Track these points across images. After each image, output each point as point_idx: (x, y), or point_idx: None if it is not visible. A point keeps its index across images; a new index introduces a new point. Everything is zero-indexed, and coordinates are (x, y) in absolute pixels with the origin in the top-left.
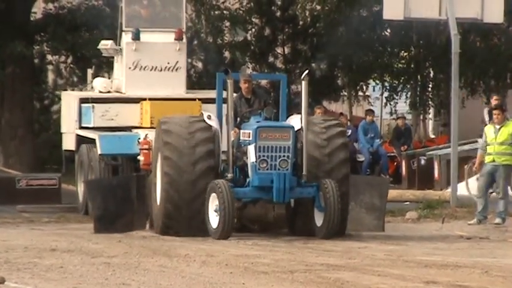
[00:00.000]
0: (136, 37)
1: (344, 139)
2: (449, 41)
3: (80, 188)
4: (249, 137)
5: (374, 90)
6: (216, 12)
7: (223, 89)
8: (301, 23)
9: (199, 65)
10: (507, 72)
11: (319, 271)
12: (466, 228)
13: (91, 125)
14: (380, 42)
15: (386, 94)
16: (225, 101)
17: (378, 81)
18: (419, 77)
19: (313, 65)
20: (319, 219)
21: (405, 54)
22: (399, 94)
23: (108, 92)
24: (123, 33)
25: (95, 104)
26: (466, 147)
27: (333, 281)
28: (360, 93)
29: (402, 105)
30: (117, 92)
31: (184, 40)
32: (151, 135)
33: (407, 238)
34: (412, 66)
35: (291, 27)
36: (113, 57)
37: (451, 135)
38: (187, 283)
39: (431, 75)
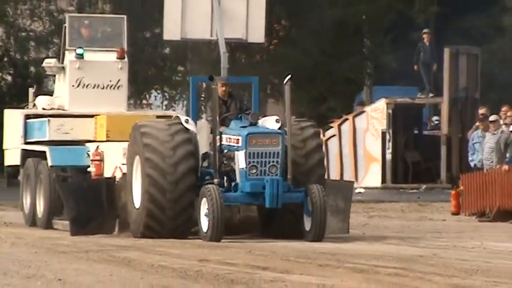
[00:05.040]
0: (80, 56)
1: (318, 140)
2: (219, 58)
3: (26, 200)
4: (238, 142)
5: (156, 99)
6: (23, 34)
7: (196, 94)
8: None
9: (9, 78)
10: (267, 84)
11: (110, 251)
12: None
13: (46, 139)
14: (161, 58)
15: (166, 102)
16: None
17: (159, 91)
18: None
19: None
20: (307, 224)
21: (182, 68)
22: (177, 102)
23: (52, 109)
24: (67, 52)
25: (50, 118)
26: None
27: (121, 259)
28: (144, 101)
29: (180, 111)
30: (60, 109)
31: (126, 59)
32: (103, 147)
33: None
34: (188, 78)
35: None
36: (54, 76)
37: None
38: None
39: (204, 86)
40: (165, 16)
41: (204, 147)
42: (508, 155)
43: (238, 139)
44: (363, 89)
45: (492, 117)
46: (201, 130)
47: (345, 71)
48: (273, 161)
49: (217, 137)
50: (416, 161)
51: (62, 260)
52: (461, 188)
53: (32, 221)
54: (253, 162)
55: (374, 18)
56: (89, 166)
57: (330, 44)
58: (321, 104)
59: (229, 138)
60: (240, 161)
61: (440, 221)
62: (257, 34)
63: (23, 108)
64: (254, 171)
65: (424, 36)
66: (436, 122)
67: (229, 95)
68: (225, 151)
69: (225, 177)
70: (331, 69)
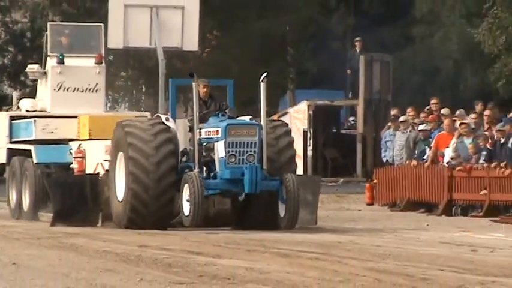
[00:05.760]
0: (60, 61)
1: (287, 128)
2: (158, 64)
3: (12, 196)
4: (217, 134)
5: None
6: None
7: (175, 95)
8: (45, 51)
9: None
10: None
11: (59, 237)
12: None
13: (32, 138)
14: (106, 65)
15: (109, 104)
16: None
17: None
18: (134, 91)
19: None
20: (282, 210)
21: (124, 74)
22: (119, 104)
23: (35, 111)
24: (48, 58)
25: (36, 119)
26: None
27: (69, 245)
28: None
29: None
30: (42, 111)
31: (103, 64)
32: (84, 145)
33: None
34: (129, 83)
35: (38, 54)
36: (36, 80)
37: None
38: None
39: (144, 90)
40: (109, 27)
41: (182, 144)
42: (416, 151)
43: (218, 130)
44: (286, 92)
45: (402, 118)
46: (179, 128)
47: (270, 76)
48: (250, 151)
49: (197, 130)
50: (335, 157)
51: (15, 246)
52: (375, 181)
53: (18, 214)
54: (232, 151)
55: (297, 29)
56: (71, 163)
57: (257, 52)
58: (249, 106)
59: (209, 131)
60: (220, 150)
61: (356, 211)
62: (191, 43)
63: (7, 110)
64: (233, 159)
65: (356, 43)
66: (352, 122)
67: (209, 96)
68: (204, 144)
69: (204, 168)
70: (257, 74)
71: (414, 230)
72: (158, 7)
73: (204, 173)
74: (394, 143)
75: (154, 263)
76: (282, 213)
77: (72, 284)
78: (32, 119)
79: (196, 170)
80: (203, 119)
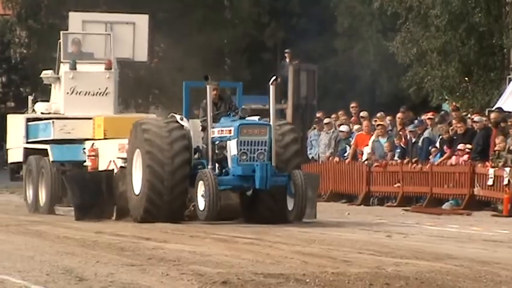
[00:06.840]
0: (73, 67)
1: (295, 134)
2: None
3: (29, 192)
4: (230, 133)
5: None
6: None
7: (188, 96)
8: (13, 61)
9: None
10: (150, 94)
11: (25, 225)
12: None
13: (51, 138)
14: None
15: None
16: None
17: None
18: None
19: (26, 90)
20: (290, 204)
21: None
22: None
23: (49, 113)
24: (62, 64)
25: (54, 120)
26: None
27: (34, 232)
28: None
29: None
30: (56, 113)
31: (113, 70)
32: (98, 144)
33: None
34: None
35: (7, 63)
36: (50, 85)
37: None
38: None
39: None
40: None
41: (195, 142)
42: (338, 149)
43: (230, 130)
44: None
45: (326, 120)
46: (192, 127)
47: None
48: (261, 149)
49: (211, 130)
50: None
51: None
52: None
53: (35, 209)
54: (244, 149)
55: (233, 42)
56: (84, 161)
57: (198, 62)
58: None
59: (221, 130)
60: (232, 148)
61: None
62: (141, 54)
63: (23, 113)
64: (244, 157)
65: (286, 55)
66: None
67: (219, 98)
68: (217, 142)
69: (217, 165)
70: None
71: (336, 218)
72: (112, 23)
73: (217, 169)
74: (319, 142)
75: (108, 247)
76: (290, 206)
77: (37, 265)
78: (50, 121)
79: (209, 166)
80: (214, 119)
